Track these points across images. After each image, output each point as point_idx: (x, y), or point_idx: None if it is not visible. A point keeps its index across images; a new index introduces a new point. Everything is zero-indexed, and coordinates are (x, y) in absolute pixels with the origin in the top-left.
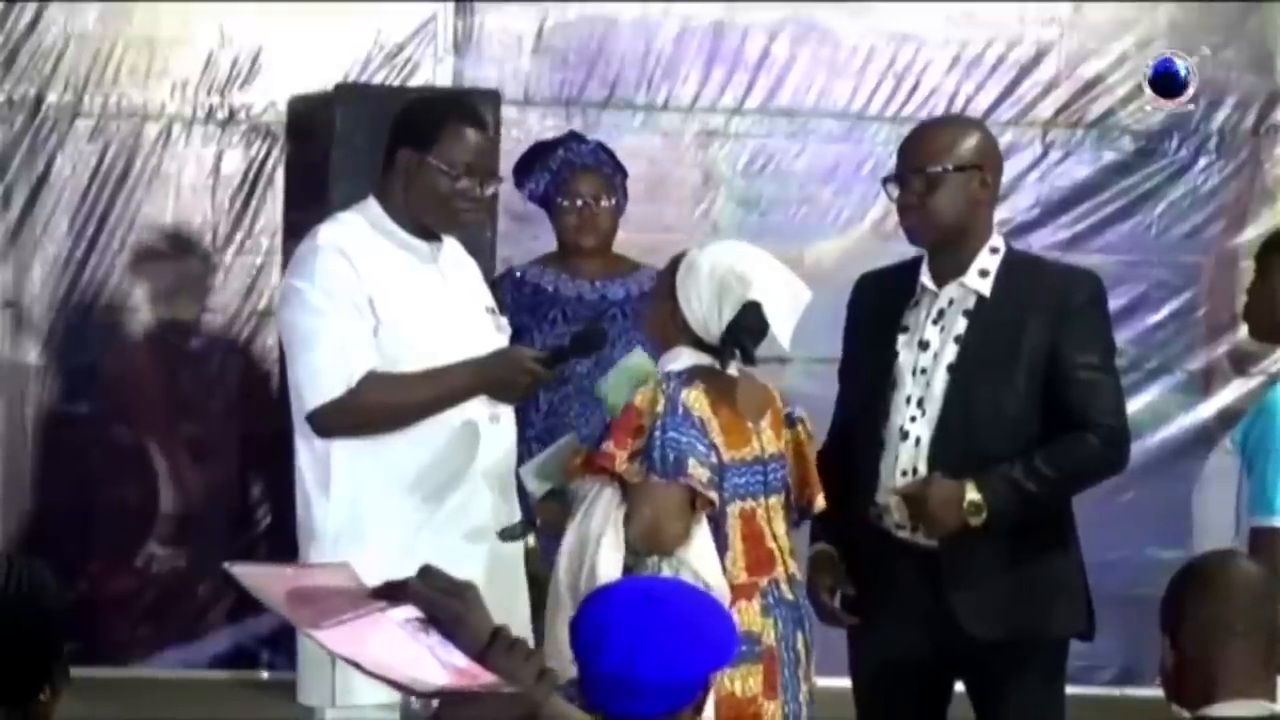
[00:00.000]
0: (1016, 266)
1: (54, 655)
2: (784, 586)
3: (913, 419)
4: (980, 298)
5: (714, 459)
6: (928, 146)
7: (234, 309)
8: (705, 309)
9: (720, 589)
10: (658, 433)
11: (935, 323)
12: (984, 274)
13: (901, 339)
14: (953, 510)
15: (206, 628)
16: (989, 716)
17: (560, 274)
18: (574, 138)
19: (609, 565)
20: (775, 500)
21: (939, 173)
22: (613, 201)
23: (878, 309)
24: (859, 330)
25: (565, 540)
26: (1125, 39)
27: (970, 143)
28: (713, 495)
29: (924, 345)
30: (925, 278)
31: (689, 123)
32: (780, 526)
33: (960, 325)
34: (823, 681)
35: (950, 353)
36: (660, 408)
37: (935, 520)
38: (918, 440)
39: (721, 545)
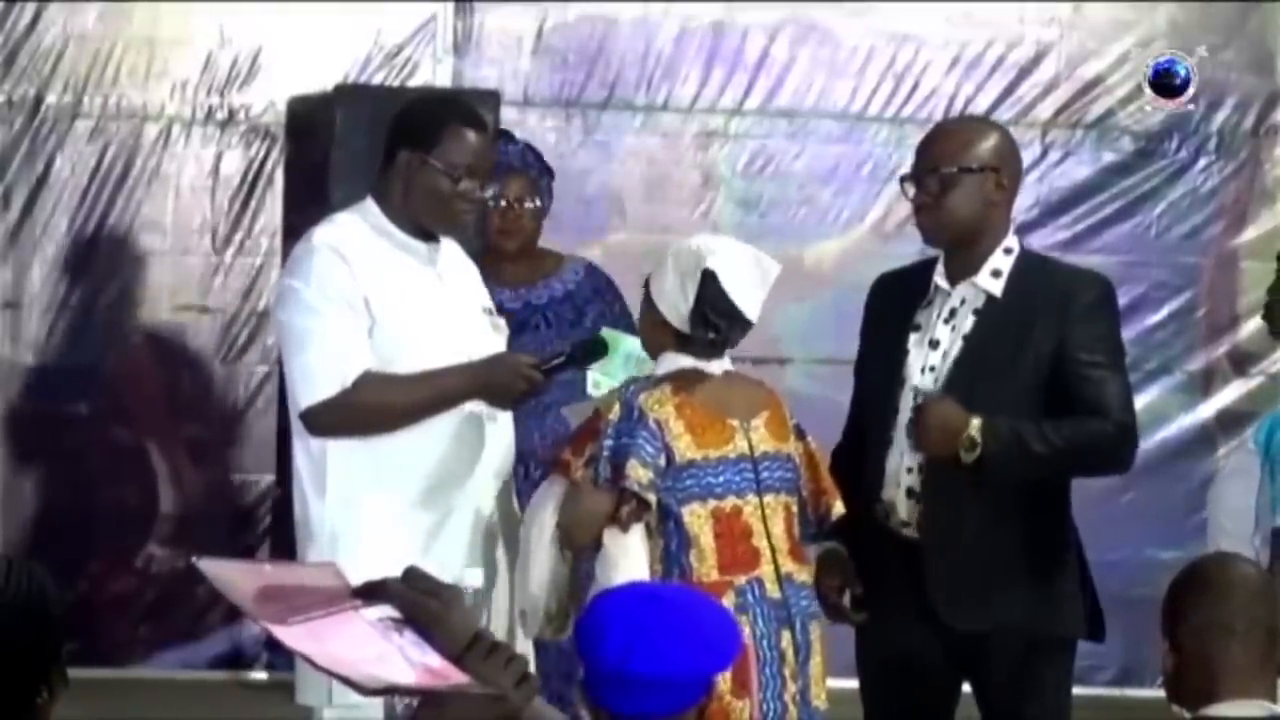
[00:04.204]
0: (1028, 267)
1: (52, 658)
2: (769, 585)
3: None
4: (991, 297)
5: (663, 461)
6: (944, 146)
7: (234, 309)
8: (672, 293)
9: None
10: (607, 440)
11: (947, 322)
12: (996, 274)
13: (913, 337)
14: (948, 435)
15: (206, 628)
16: (994, 718)
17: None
18: (501, 136)
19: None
20: (775, 499)
21: (954, 173)
22: (536, 203)
23: (892, 308)
24: (873, 329)
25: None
26: (1125, 39)
27: (987, 144)
28: (650, 497)
29: (934, 344)
30: (939, 277)
31: (689, 123)
32: (779, 526)
33: (970, 324)
34: (828, 682)
35: (958, 351)
36: (614, 414)
37: (926, 439)
38: None
39: (684, 543)
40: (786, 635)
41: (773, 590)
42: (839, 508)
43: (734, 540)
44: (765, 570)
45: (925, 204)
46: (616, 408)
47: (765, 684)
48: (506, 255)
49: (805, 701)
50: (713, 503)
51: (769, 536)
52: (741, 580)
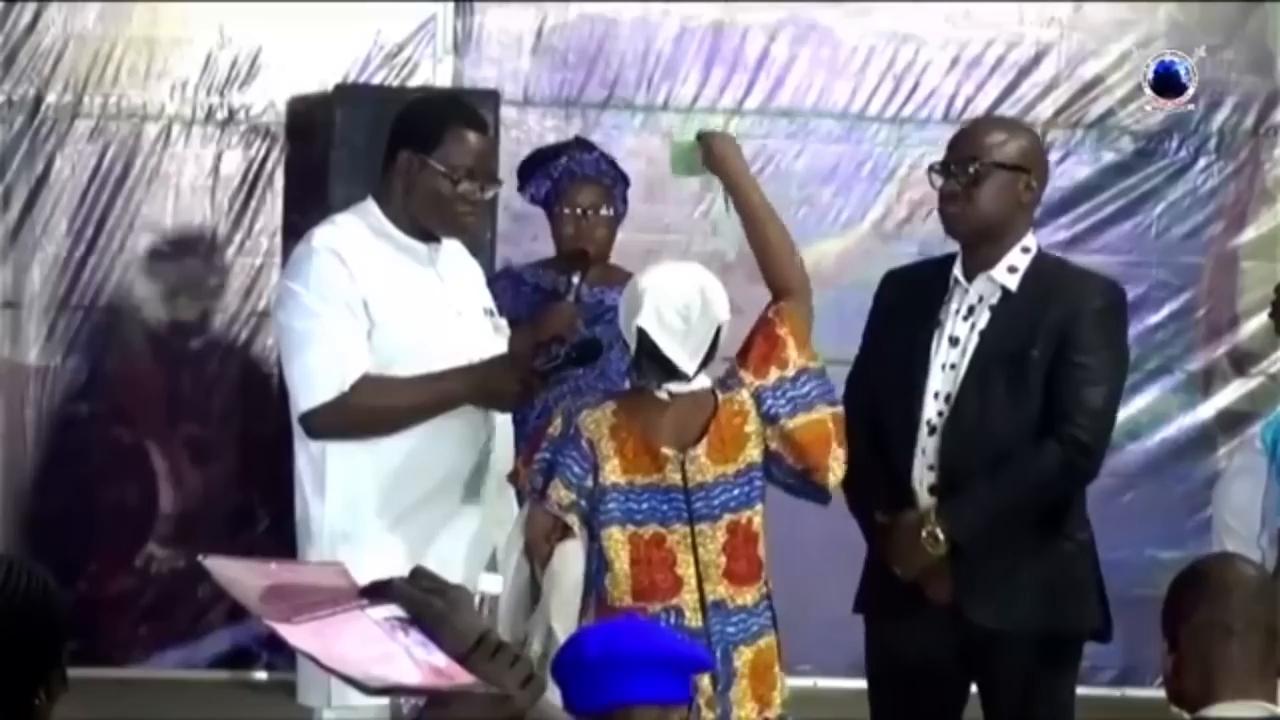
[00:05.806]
0: (1043, 267)
1: (52, 662)
2: (689, 613)
3: (940, 413)
4: (1006, 293)
5: (589, 482)
6: (982, 140)
7: (234, 309)
8: (625, 331)
9: (563, 613)
10: (544, 454)
11: (966, 319)
12: (1012, 270)
13: (935, 335)
14: (913, 545)
15: (206, 628)
16: (997, 715)
17: (559, 277)
18: (578, 145)
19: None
20: (711, 526)
21: (989, 165)
22: (611, 211)
23: (910, 304)
24: (888, 325)
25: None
26: (1125, 39)
27: (1023, 145)
28: (569, 519)
29: (954, 341)
30: (958, 270)
31: (689, 123)
32: (713, 551)
33: (985, 319)
34: (824, 682)
35: (974, 347)
36: (555, 428)
37: (898, 560)
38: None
39: (601, 565)
40: None
41: (692, 619)
42: (832, 479)
43: (652, 568)
44: (686, 599)
45: (955, 193)
46: (558, 422)
47: None
48: (582, 257)
49: None
50: (631, 528)
51: (697, 563)
52: (656, 608)
